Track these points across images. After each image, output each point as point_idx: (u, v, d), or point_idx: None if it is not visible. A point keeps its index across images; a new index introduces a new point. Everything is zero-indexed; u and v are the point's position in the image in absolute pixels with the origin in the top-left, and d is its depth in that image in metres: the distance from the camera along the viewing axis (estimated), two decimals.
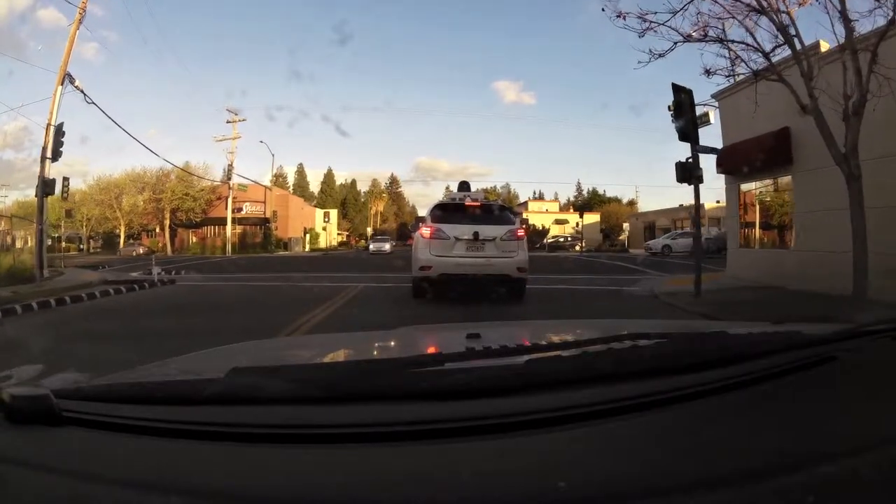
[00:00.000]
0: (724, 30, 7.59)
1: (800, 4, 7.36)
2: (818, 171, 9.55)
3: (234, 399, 0.76)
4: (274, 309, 8.27)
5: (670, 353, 0.97)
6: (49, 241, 32.51)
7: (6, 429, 0.73)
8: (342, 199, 77.15)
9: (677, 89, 8.54)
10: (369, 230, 70.63)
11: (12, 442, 0.71)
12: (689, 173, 8.52)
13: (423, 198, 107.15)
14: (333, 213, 58.42)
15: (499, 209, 8.67)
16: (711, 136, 27.41)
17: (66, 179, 19.96)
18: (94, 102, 15.75)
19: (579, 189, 75.54)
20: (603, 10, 7.64)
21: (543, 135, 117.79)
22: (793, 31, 7.25)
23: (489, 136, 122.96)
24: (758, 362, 0.91)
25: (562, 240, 42.47)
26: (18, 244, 17.67)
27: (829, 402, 0.83)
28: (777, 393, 0.84)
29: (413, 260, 8.28)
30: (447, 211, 8.25)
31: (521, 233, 8.20)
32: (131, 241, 42.04)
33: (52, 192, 13.42)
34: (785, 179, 11.05)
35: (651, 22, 7.53)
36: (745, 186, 11.92)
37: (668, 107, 18.83)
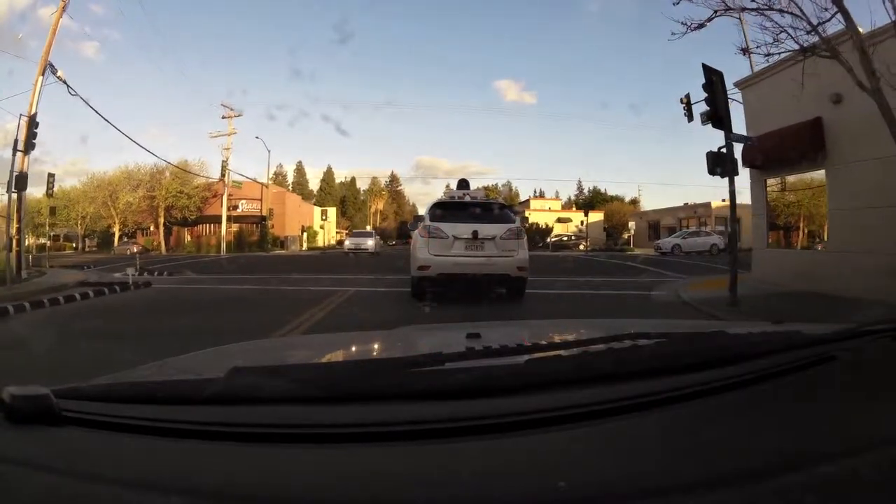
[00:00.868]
0: None
1: None
2: (854, 166, 8.68)
3: (234, 399, 0.76)
4: (246, 321, 7.14)
5: (670, 353, 0.96)
6: (46, 240, 31.87)
7: (6, 429, 0.72)
8: (341, 197, 76.46)
9: (708, 70, 7.63)
10: (369, 228, 70.03)
11: (12, 442, 0.71)
12: (722, 164, 7.57)
13: (423, 196, 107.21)
14: (331, 210, 57.63)
15: (498, 207, 8.51)
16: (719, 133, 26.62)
17: (51, 176, 19.19)
18: (77, 94, 15.17)
19: (580, 187, 75.06)
20: None
21: (544, 133, 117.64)
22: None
23: (490, 135, 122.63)
24: (758, 362, 0.90)
25: (565, 239, 41.76)
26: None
27: (829, 402, 0.83)
28: (777, 393, 0.84)
29: (412, 259, 8.18)
30: (446, 209, 8.13)
31: (520, 231, 8.11)
32: (126, 239, 41.24)
33: (24, 188, 12.55)
34: (814, 174, 10.22)
35: None
36: (772, 181, 11.02)
37: (681, 100, 17.70)
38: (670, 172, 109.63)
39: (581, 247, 38.30)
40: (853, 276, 7.86)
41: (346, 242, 29.33)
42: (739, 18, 7.28)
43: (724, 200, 42.21)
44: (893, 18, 6.45)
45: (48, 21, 15.53)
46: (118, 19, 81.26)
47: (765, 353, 0.95)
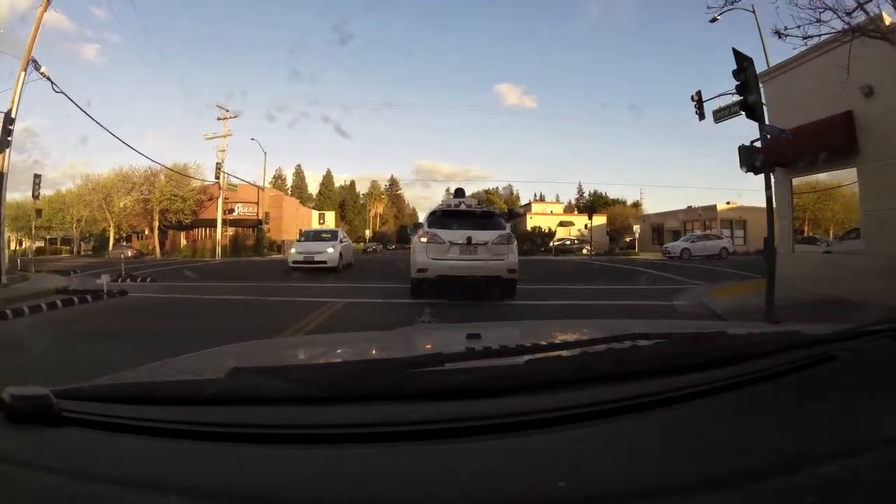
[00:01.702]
0: None
1: None
2: (892, 163, 7.99)
3: (234, 399, 0.76)
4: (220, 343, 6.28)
5: (670, 354, 0.97)
6: (32, 244, 31.24)
7: (6, 429, 0.73)
8: (340, 201, 75.97)
9: (739, 56, 6.96)
10: (368, 233, 69.41)
11: (12, 442, 0.71)
12: (757, 159, 6.81)
13: (423, 200, 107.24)
14: (329, 214, 56.97)
15: (490, 215, 9.32)
16: (735, 132, 26.00)
17: (37, 177, 18.66)
18: (62, 92, 14.73)
19: (580, 191, 74.50)
20: None
21: (544, 137, 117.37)
22: None
23: (490, 139, 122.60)
24: (758, 362, 0.91)
25: (568, 243, 41.11)
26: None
27: (829, 402, 0.83)
28: (777, 393, 0.85)
29: (412, 263, 8.87)
30: (443, 217, 8.94)
31: (510, 237, 8.90)
32: (121, 243, 40.50)
33: None
34: (819, 176, 9.68)
35: None
36: (796, 181, 10.33)
37: (692, 97, 16.96)
38: (671, 175, 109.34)
39: (584, 251, 37.65)
40: (886, 282, 7.25)
41: (293, 251, 17.18)
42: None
43: (728, 203, 41.40)
44: None
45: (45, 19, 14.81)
46: (115, 21, 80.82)
47: (765, 353, 0.95)
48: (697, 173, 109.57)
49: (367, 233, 70.00)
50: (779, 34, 6.39)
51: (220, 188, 35.73)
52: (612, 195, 66.95)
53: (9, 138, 11.67)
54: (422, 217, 9.84)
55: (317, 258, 15.87)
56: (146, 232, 42.21)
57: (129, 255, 34.41)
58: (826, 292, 8.45)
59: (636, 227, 40.42)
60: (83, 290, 10.85)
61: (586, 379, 0.81)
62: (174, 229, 40.70)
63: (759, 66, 10.41)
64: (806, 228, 11.54)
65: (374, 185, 78.65)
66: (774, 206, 9.65)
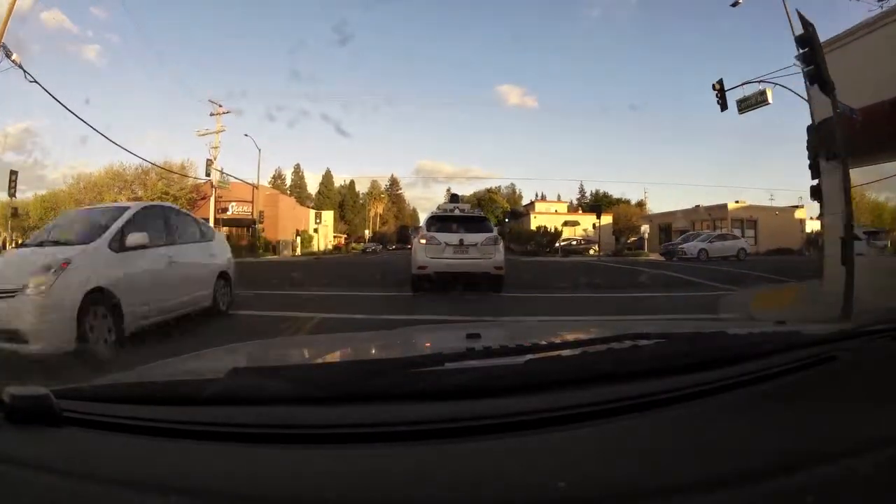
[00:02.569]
0: None
1: None
2: None
3: (235, 399, 0.77)
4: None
5: (670, 354, 0.97)
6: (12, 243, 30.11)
7: (6, 429, 0.73)
8: (340, 200, 74.90)
9: (805, 23, 5.85)
10: (367, 232, 68.37)
11: (12, 442, 0.72)
12: (831, 141, 5.62)
13: (424, 200, 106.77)
14: (327, 214, 56.02)
15: (480, 220, 10.90)
16: (765, 120, 24.69)
17: (13, 173, 17.58)
18: (36, 81, 13.94)
19: (582, 191, 73.53)
20: None
21: (546, 137, 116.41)
22: None
23: (492, 139, 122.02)
24: (758, 362, 0.91)
25: (574, 243, 39.96)
26: None
27: (828, 402, 0.83)
28: (777, 393, 0.85)
29: (412, 261, 10.14)
30: (439, 221, 10.41)
31: (497, 239, 10.38)
32: None
33: None
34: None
35: None
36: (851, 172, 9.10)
37: (713, 86, 15.54)
38: (671, 174, 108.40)
39: (591, 251, 36.45)
40: None
41: None
42: None
43: (737, 202, 40.04)
44: None
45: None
46: (111, 18, 79.63)
47: (765, 353, 0.95)
48: (698, 173, 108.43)
49: (367, 233, 69.09)
50: None
51: (212, 186, 34.56)
52: (614, 194, 66.01)
53: None
54: (422, 217, 10.79)
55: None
56: None
57: None
58: (887, 300, 7.21)
59: (644, 227, 39.37)
60: None
61: (586, 379, 0.82)
62: None
63: (781, 56, 9.18)
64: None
65: (374, 184, 78.43)
66: (826, 199, 8.37)
